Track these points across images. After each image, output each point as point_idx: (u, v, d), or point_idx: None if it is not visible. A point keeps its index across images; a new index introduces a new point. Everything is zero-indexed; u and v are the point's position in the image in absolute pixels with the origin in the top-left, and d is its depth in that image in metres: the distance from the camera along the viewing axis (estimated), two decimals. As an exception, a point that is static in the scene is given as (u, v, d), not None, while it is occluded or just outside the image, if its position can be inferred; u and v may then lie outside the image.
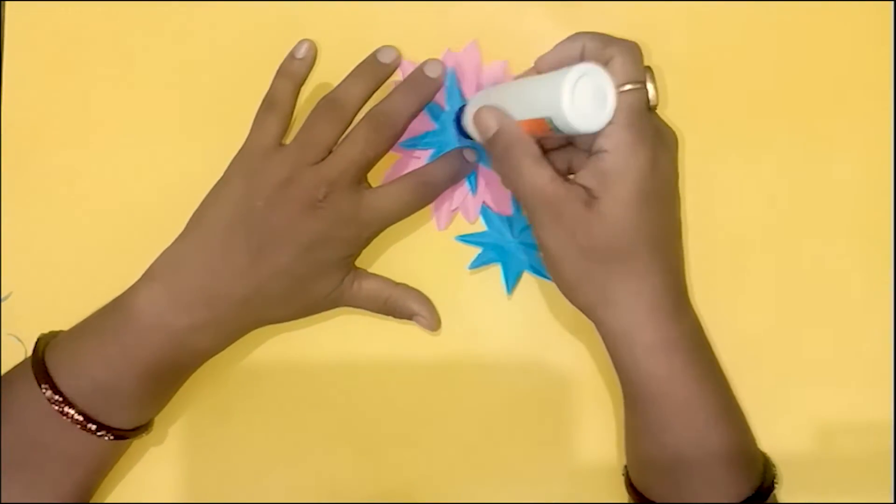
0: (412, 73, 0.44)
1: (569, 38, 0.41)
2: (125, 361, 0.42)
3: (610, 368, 0.46)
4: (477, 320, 0.47)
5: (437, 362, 0.47)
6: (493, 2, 0.48)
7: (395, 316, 0.46)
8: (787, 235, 0.47)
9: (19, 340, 0.48)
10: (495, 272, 0.47)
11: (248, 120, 0.47)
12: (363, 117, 0.43)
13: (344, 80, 0.44)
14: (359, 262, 0.46)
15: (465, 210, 0.47)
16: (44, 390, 0.40)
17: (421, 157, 0.47)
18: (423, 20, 0.49)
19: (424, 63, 0.44)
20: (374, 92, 0.44)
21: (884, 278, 0.47)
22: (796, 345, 0.47)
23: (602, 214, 0.39)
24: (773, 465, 0.43)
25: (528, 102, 0.40)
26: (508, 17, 0.48)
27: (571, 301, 0.42)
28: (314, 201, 0.42)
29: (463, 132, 0.46)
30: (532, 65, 0.42)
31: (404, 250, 0.48)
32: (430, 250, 0.48)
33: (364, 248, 0.45)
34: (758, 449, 0.43)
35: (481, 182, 0.47)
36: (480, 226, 0.48)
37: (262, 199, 0.42)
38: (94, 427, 0.41)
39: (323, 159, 0.43)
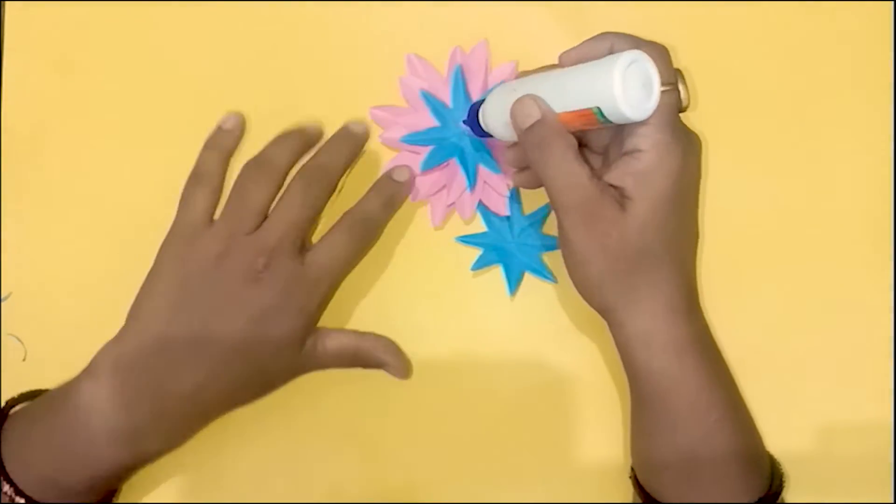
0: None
1: (596, 37, 0.40)
2: (73, 463, 0.40)
3: (611, 369, 0.46)
4: (478, 320, 0.47)
5: (439, 362, 0.47)
6: (503, 1, 0.48)
7: (363, 367, 0.44)
8: (787, 236, 0.47)
9: (19, 340, 0.48)
10: (496, 272, 0.47)
11: (249, 119, 0.47)
12: (295, 174, 0.42)
13: (268, 144, 0.43)
14: (359, 267, 0.45)
15: (461, 207, 0.47)
16: None
17: (420, 153, 0.47)
18: (432, 19, 0.48)
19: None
20: (302, 154, 0.44)
21: (884, 278, 0.47)
22: (796, 345, 0.47)
23: (636, 216, 0.38)
24: (780, 467, 0.43)
25: (572, 92, 0.38)
26: (518, 17, 0.48)
27: (590, 301, 0.41)
28: (255, 273, 0.40)
29: (477, 128, 0.44)
30: (543, 64, 0.42)
31: (405, 251, 0.48)
32: (430, 251, 0.48)
33: (320, 313, 0.43)
34: (766, 450, 0.43)
35: (480, 180, 0.47)
36: (480, 226, 0.48)
37: (198, 280, 0.40)
38: None
39: (259, 225, 0.41)
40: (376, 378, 0.47)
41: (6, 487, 0.39)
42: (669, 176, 0.38)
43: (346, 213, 0.44)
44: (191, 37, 0.49)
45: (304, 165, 0.43)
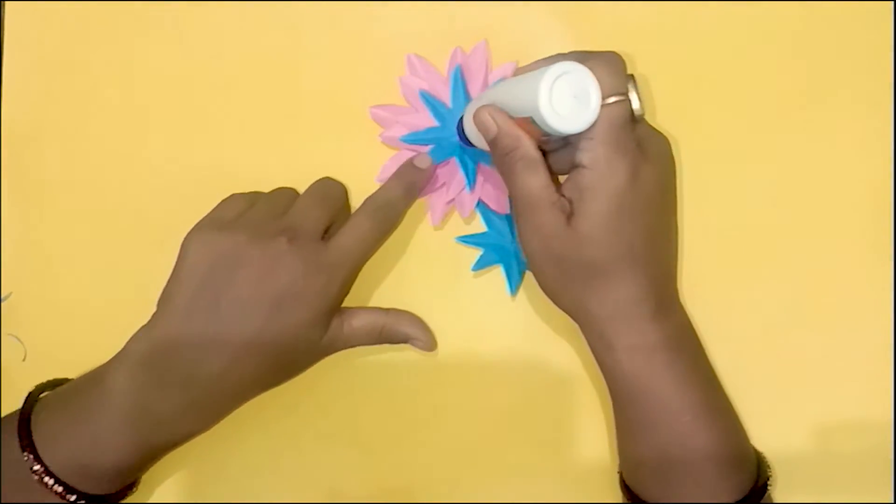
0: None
1: (547, 58, 0.41)
2: (106, 443, 0.40)
3: (610, 368, 0.47)
4: (478, 320, 0.47)
5: (439, 362, 0.47)
6: (504, 2, 0.48)
7: (390, 343, 0.45)
8: (787, 236, 0.47)
9: (19, 340, 0.48)
10: (497, 272, 0.47)
11: (250, 119, 0.47)
12: (305, 191, 0.45)
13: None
14: (363, 271, 0.45)
15: (461, 204, 0.47)
16: (25, 457, 0.40)
17: (412, 149, 0.47)
18: (432, 19, 0.48)
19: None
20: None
21: (884, 278, 0.47)
22: (796, 344, 0.47)
23: (578, 231, 0.39)
24: (768, 466, 0.43)
25: (512, 102, 0.39)
26: (519, 16, 0.48)
27: (556, 304, 0.42)
28: (278, 252, 0.41)
29: (464, 140, 0.45)
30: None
31: (405, 251, 0.48)
32: (431, 251, 0.48)
33: (342, 296, 0.43)
34: (751, 449, 0.43)
35: (479, 179, 0.47)
36: (480, 227, 0.48)
37: (225, 260, 0.41)
38: (73, 498, 0.40)
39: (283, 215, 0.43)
40: (376, 378, 0.47)
41: (37, 467, 0.40)
42: (612, 192, 0.39)
43: (367, 199, 0.44)
44: (191, 37, 0.49)
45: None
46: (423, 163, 0.46)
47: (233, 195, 0.45)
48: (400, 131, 0.47)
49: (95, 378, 0.42)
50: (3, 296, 0.48)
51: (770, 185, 0.48)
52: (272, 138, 0.48)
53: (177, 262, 0.42)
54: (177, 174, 0.48)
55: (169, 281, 0.42)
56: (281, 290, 0.41)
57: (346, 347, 0.44)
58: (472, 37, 0.48)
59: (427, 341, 0.45)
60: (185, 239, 0.42)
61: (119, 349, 0.42)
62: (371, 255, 0.44)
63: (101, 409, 0.41)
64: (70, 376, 0.44)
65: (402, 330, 0.45)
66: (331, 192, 0.45)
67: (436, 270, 0.47)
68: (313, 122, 0.48)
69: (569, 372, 0.47)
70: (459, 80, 0.47)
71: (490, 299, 0.47)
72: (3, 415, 0.43)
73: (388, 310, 0.45)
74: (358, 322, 0.44)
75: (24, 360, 0.47)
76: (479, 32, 0.48)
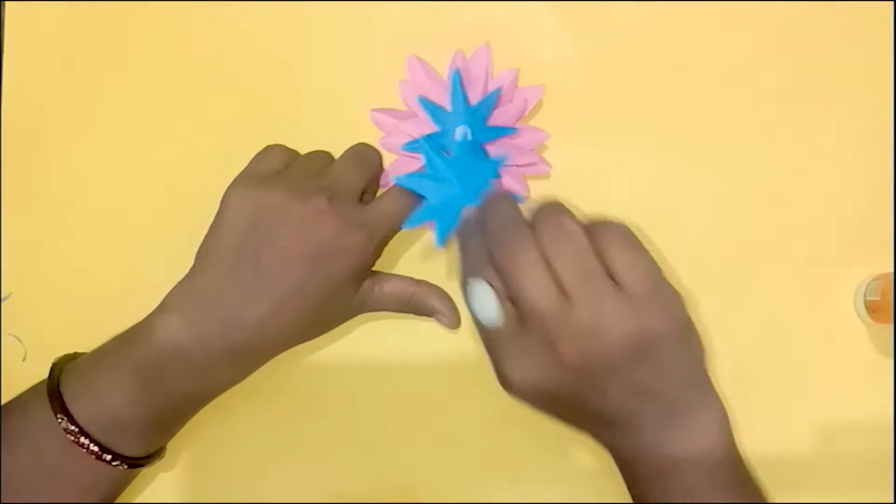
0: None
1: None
2: (144, 394, 0.41)
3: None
4: (477, 320, 0.47)
5: (438, 362, 0.47)
6: (506, 2, 0.48)
7: (416, 314, 0.46)
8: (787, 235, 0.47)
9: (19, 340, 0.48)
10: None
11: (249, 120, 0.47)
12: (343, 154, 0.46)
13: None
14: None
15: None
16: (59, 420, 0.40)
17: (418, 159, 0.47)
18: (434, 17, 0.48)
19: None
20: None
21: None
22: (796, 345, 0.47)
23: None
24: None
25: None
26: (524, 17, 0.48)
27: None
28: (319, 209, 0.42)
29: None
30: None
31: (405, 250, 0.48)
32: (431, 251, 0.48)
33: (375, 258, 0.44)
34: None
35: None
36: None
37: (267, 212, 0.42)
38: (109, 458, 0.41)
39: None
40: (376, 378, 0.47)
41: (73, 427, 0.40)
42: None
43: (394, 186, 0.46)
44: (192, 37, 0.49)
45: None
46: None
47: (270, 147, 0.46)
48: (401, 138, 0.47)
49: (130, 333, 0.42)
50: (3, 296, 0.48)
51: (770, 184, 0.48)
52: (273, 139, 0.48)
53: (217, 216, 0.43)
54: (177, 174, 0.48)
55: (208, 234, 0.43)
56: (320, 244, 0.42)
57: (375, 309, 0.45)
58: (475, 35, 0.48)
59: (452, 319, 0.46)
60: (226, 193, 0.43)
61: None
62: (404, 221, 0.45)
63: (136, 359, 0.41)
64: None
65: (431, 303, 0.46)
66: (368, 157, 0.46)
67: (436, 270, 0.47)
68: (314, 123, 0.48)
69: (569, 372, 0.47)
70: (458, 86, 0.46)
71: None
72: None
73: (419, 281, 0.46)
74: (389, 287, 0.45)
75: (24, 360, 0.48)
76: (482, 31, 0.48)
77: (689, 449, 0.39)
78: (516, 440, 0.47)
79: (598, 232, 0.39)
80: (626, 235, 0.39)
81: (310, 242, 0.42)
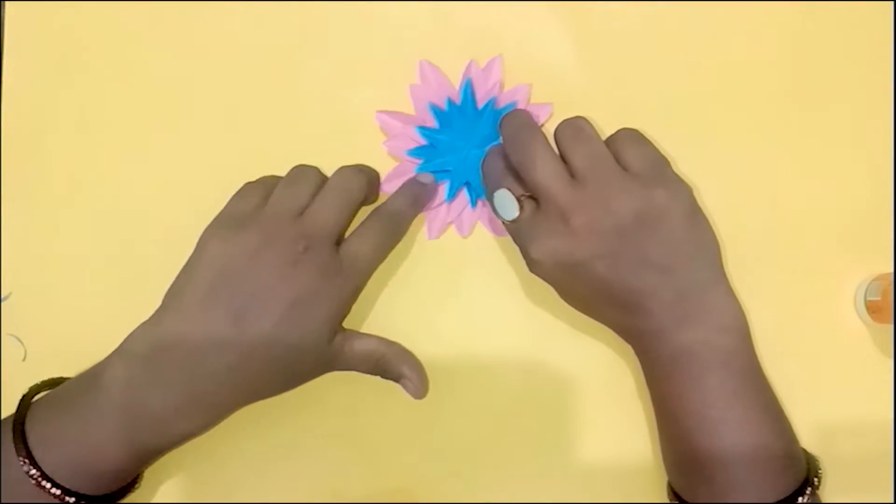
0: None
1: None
2: (105, 443, 0.40)
3: (612, 368, 0.47)
4: (477, 320, 0.47)
5: (438, 362, 0.47)
6: (513, 2, 0.48)
7: (383, 376, 0.44)
8: (787, 235, 0.47)
9: (19, 340, 0.48)
10: (497, 272, 0.47)
11: (250, 120, 0.47)
12: (326, 185, 0.44)
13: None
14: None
15: (460, 224, 0.47)
16: (21, 462, 0.39)
17: (416, 163, 0.47)
18: (451, 22, 0.48)
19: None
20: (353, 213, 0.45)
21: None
22: (796, 344, 0.47)
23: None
24: (818, 467, 0.42)
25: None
26: (526, 22, 0.48)
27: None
28: (296, 255, 0.41)
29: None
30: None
31: (405, 250, 0.48)
32: (431, 251, 0.48)
33: (350, 305, 0.44)
34: (798, 450, 0.43)
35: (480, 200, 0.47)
36: (476, 240, 0.48)
37: (242, 259, 0.41)
38: (72, 500, 0.40)
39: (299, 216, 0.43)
40: (376, 378, 0.47)
41: (33, 471, 0.39)
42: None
43: (374, 210, 0.45)
44: (193, 37, 0.49)
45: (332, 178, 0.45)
46: (427, 179, 0.47)
47: (246, 185, 0.45)
48: (406, 144, 0.47)
49: (90, 377, 0.41)
50: (3, 296, 0.48)
51: (770, 184, 0.48)
52: (275, 140, 0.48)
53: (191, 258, 0.42)
54: (177, 175, 0.48)
55: (179, 276, 0.42)
56: (295, 293, 0.41)
57: (343, 368, 0.44)
58: (476, 35, 0.48)
59: (418, 388, 0.44)
60: (202, 235, 0.43)
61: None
62: (379, 264, 0.44)
63: (96, 408, 0.40)
64: (69, 376, 0.44)
65: (400, 367, 0.44)
66: (353, 185, 0.44)
67: (436, 271, 0.47)
68: (316, 124, 0.48)
69: (569, 372, 0.47)
70: (469, 96, 0.47)
71: (490, 299, 0.47)
72: (3, 415, 0.43)
73: (391, 343, 0.45)
74: (360, 346, 0.44)
75: (24, 360, 0.47)
76: (485, 34, 0.48)
77: (702, 338, 0.41)
78: (515, 440, 0.47)
79: (611, 137, 0.43)
80: (636, 135, 0.43)
81: (285, 291, 0.41)
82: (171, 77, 0.49)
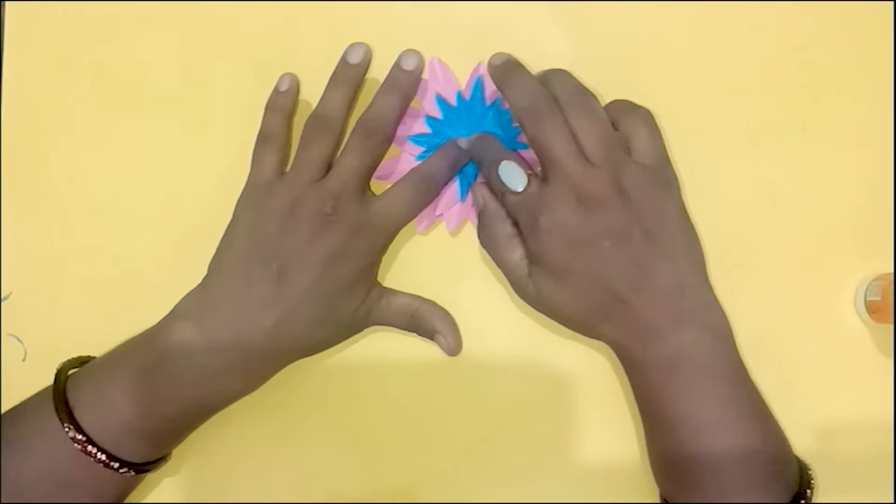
0: (390, 71, 0.46)
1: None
2: (155, 403, 0.42)
3: (611, 368, 0.47)
4: (478, 320, 0.47)
5: (438, 362, 0.47)
6: (513, 2, 0.48)
7: (418, 332, 0.46)
8: (787, 234, 0.47)
9: (19, 340, 0.48)
10: (496, 272, 0.47)
11: (250, 119, 0.47)
12: (353, 127, 0.45)
13: (324, 94, 0.46)
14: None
15: (448, 218, 0.47)
16: (67, 430, 0.40)
17: (417, 151, 0.47)
18: (437, 20, 0.48)
19: (400, 56, 0.46)
20: (354, 96, 0.46)
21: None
22: (796, 344, 0.47)
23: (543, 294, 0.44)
24: (810, 476, 0.43)
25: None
26: (525, 20, 0.48)
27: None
28: (324, 216, 0.43)
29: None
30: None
31: (404, 249, 0.48)
32: (431, 251, 0.48)
33: (381, 255, 0.46)
34: (791, 455, 0.43)
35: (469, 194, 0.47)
36: (465, 237, 0.48)
37: (274, 226, 0.43)
38: (117, 465, 0.41)
39: (324, 176, 0.44)
40: (376, 379, 0.47)
41: (79, 436, 0.40)
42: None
43: (412, 170, 0.46)
44: (192, 36, 0.49)
45: (361, 117, 0.45)
46: (465, 143, 0.47)
47: (259, 148, 0.46)
48: (410, 129, 0.47)
49: (149, 337, 0.43)
50: (3, 296, 0.48)
51: (770, 184, 0.48)
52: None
53: (228, 228, 0.44)
54: (177, 175, 0.48)
55: (220, 245, 0.44)
56: (329, 249, 0.43)
57: (380, 322, 0.46)
58: (476, 36, 0.48)
59: (451, 344, 0.46)
60: (237, 205, 0.45)
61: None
62: (409, 222, 0.46)
63: (152, 369, 0.42)
64: (96, 356, 0.44)
65: (433, 321, 0.46)
66: (378, 125, 0.45)
67: (436, 271, 0.47)
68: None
69: (569, 372, 0.47)
70: (479, 92, 0.47)
71: (490, 299, 0.47)
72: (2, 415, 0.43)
73: (427, 300, 0.46)
74: (397, 300, 0.46)
75: (24, 360, 0.48)
76: (488, 33, 0.48)
77: (697, 338, 0.41)
78: (515, 440, 0.47)
79: (623, 113, 0.44)
80: (651, 121, 0.44)
81: (318, 248, 0.42)
82: (171, 77, 0.49)
